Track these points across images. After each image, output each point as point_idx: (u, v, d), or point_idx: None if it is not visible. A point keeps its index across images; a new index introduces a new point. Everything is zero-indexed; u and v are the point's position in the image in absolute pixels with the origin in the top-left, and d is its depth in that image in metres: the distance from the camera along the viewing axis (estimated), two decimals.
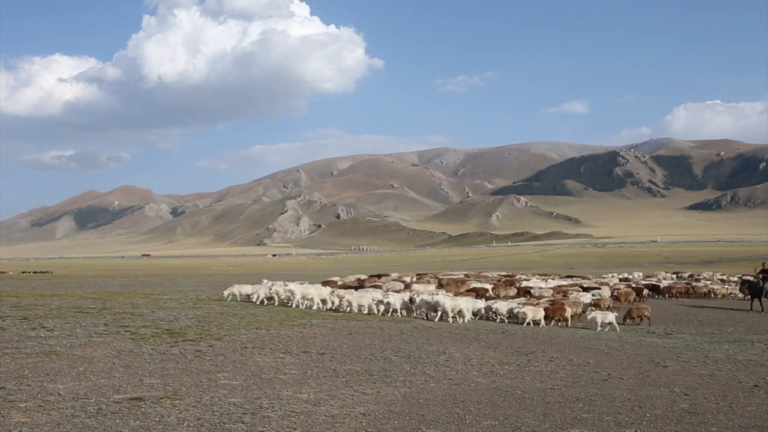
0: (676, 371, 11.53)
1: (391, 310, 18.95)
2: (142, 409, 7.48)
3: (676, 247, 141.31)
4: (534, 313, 18.33)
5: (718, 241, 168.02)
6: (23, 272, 65.90)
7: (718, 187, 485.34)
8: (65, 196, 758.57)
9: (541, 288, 24.58)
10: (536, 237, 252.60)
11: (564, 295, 22.62)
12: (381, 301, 19.24)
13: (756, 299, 25.57)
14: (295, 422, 7.29)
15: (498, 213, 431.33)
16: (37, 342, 11.71)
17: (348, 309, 19.46)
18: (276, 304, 20.84)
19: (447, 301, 18.59)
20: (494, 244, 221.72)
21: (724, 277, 41.84)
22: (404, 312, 19.11)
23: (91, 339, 12.24)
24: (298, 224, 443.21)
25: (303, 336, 13.73)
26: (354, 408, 8.04)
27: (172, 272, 67.91)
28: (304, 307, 20.01)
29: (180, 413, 7.39)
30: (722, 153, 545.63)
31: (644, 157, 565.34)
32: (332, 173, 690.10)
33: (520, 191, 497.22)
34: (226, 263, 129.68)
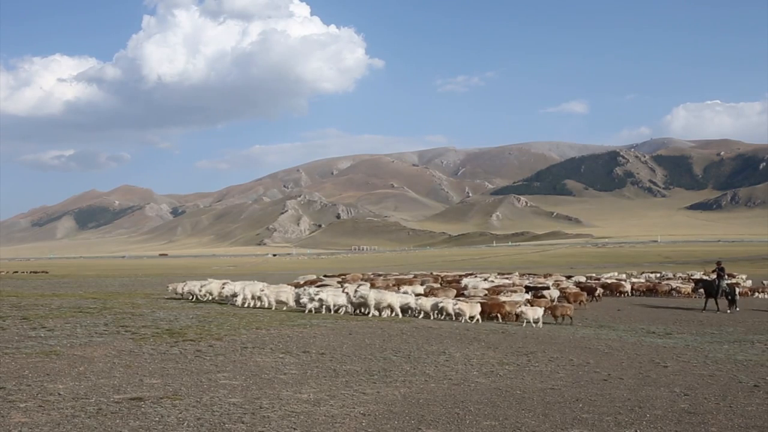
0: (676, 371, 11.52)
1: (324, 307, 18.80)
2: (142, 409, 7.48)
3: (677, 247, 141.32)
4: (471, 309, 18.66)
5: (719, 241, 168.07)
6: (15, 272, 65.77)
7: (718, 187, 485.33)
8: (65, 196, 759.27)
9: (475, 288, 24.81)
10: (536, 237, 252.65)
11: (497, 295, 23.04)
12: (313, 298, 19.17)
13: (711, 298, 25.48)
14: (295, 422, 7.29)
15: (498, 213, 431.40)
16: (37, 342, 11.71)
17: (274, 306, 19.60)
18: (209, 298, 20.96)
19: (372, 294, 18.86)
20: (494, 244, 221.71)
21: (685, 276, 42.11)
22: (341, 309, 18.97)
23: (91, 339, 12.25)
24: (298, 224, 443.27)
25: (303, 336, 13.73)
26: (354, 408, 8.04)
27: (173, 272, 67.91)
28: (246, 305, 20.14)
29: (180, 413, 7.39)
30: (722, 153, 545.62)
31: (644, 157, 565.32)
32: (332, 173, 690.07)
33: (520, 191, 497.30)
34: (227, 263, 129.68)
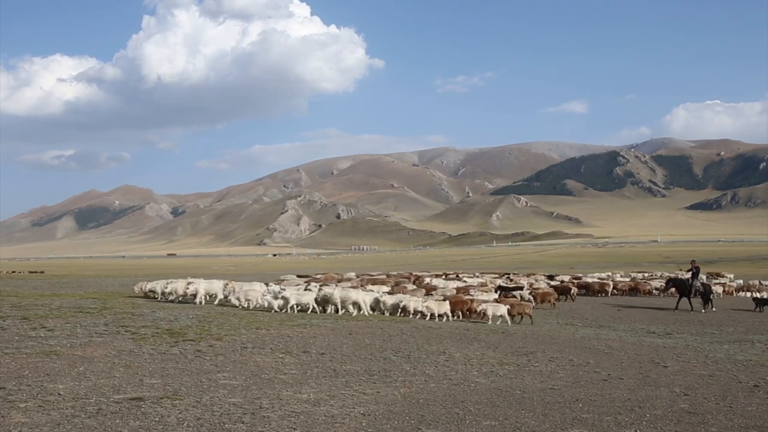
0: (676, 371, 11.52)
1: (288, 306, 18.72)
2: (142, 409, 7.48)
3: (677, 247, 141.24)
4: (438, 307, 18.79)
5: (719, 241, 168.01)
6: (13, 272, 65.65)
7: (719, 187, 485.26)
8: (65, 196, 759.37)
9: (442, 288, 25.06)
10: (536, 237, 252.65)
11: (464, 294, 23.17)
12: (276, 296, 19.14)
13: (684, 297, 25.36)
14: (295, 422, 7.29)
15: (498, 213, 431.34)
16: (37, 342, 11.70)
17: (246, 304, 19.47)
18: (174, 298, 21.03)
19: (337, 292, 18.93)
20: (494, 244, 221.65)
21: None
22: (306, 307, 18.88)
23: (91, 339, 12.24)
24: (298, 224, 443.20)
25: (303, 336, 13.73)
26: (354, 408, 8.04)
27: (174, 272, 67.86)
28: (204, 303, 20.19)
29: (180, 413, 7.39)
30: (722, 153, 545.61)
31: (644, 157, 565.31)
32: (332, 173, 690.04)
33: (520, 191, 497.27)
34: (227, 263, 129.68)
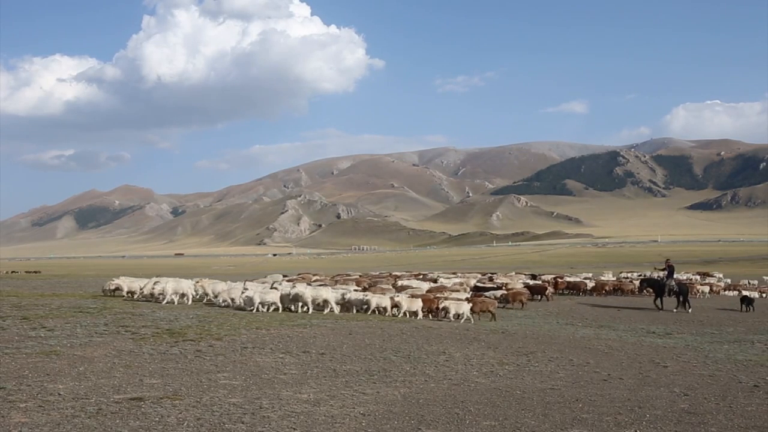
0: (676, 371, 11.52)
1: (254, 304, 18.73)
2: (142, 409, 7.48)
3: (677, 246, 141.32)
4: (409, 303, 18.99)
5: (719, 240, 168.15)
6: (14, 272, 65.58)
7: (719, 186, 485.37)
8: (65, 196, 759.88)
9: (414, 288, 25.33)
10: (536, 237, 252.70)
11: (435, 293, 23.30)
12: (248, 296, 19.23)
13: (659, 297, 25.18)
14: (295, 422, 7.29)
15: (498, 213, 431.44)
16: (37, 342, 11.70)
17: (223, 303, 19.64)
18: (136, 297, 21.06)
19: (308, 291, 19.07)
20: (494, 244, 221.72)
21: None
22: (271, 306, 18.88)
23: (91, 339, 12.24)
24: (298, 224, 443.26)
25: (303, 336, 13.72)
26: (354, 408, 8.04)
27: (174, 272, 67.85)
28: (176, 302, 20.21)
29: (180, 413, 7.39)
30: (722, 153, 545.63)
31: (644, 156, 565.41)
32: (332, 173, 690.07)
33: (520, 191, 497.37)
34: (226, 263, 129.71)
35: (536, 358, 12.34)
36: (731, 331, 18.83)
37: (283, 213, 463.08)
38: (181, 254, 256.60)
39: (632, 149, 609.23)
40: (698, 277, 45.69)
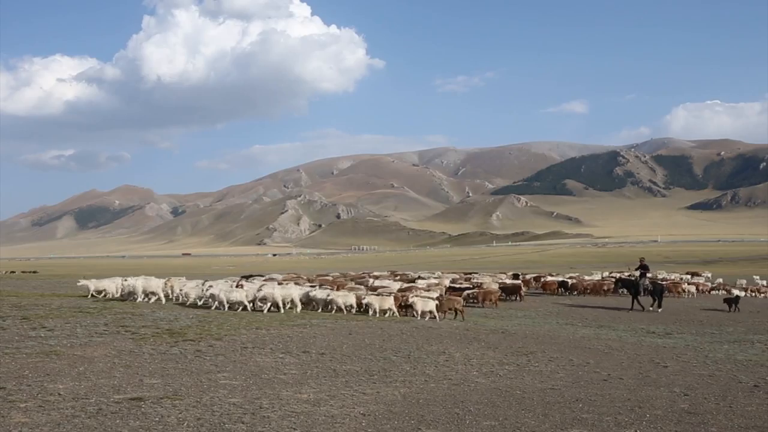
0: (676, 371, 11.52)
1: (217, 303, 18.68)
2: (142, 409, 7.48)
3: (677, 246, 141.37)
4: (381, 302, 19.10)
5: (719, 240, 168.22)
6: (12, 272, 65.50)
7: (719, 186, 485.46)
8: (65, 196, 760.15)
9: (385, 287, 25.46)
10: (536, 237, 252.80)
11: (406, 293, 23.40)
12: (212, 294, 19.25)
13: (634, 297, 24.98)
14: (295, 422, 7.29)
15: (498, 213, 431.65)
16: (37, 342, 11.70)
17: (188, 301, 19.74)
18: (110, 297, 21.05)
19: (278, 291, 19.12)
20: (494, 244, 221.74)
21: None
22: (236, 305, 18.78)
23: (91, 339, 12.24)
24: (298, 224, 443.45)
25: (303, 336, 13.72)
26: (354, 408, 8.04)
27: (174, 272, 67.83)
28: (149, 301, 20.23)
29: (180, 413, 7.39)
30: (722, 153, 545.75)
31: (644, 156, 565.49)
32: (332, 173, 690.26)
33: (520, 191, 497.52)
34: (226, 263, 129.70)
35: (536, 358, 12.33)
36: (731, 331, 18.82)
37: (283, 213, 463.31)
38: (189, 254, 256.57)
39: (632, 149, 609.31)
40: (688, 276, 45.80)
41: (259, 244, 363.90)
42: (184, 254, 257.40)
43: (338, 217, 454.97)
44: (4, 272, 61.79)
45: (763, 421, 8.11)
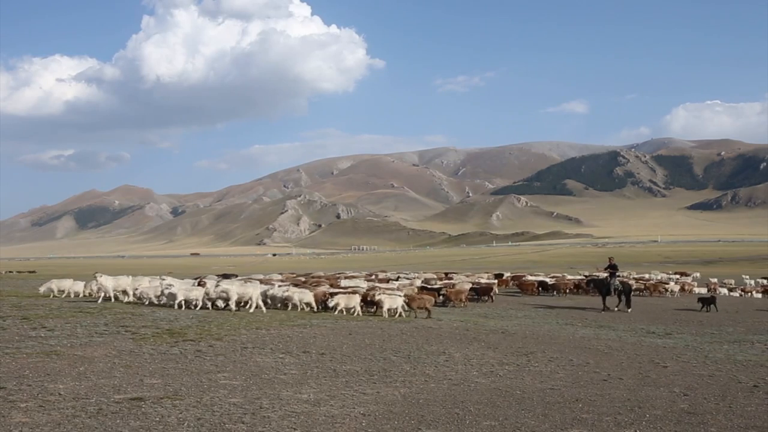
0: (676, 371, 11.52)
1: (176, 302, 18.63)
2: (143, 409, 7.49)
3: (677, 246, 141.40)
4: (347, 300, 19.29)
5: (719, 240, 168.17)
6: (11, 272, 65.43)
7: (719, 187, 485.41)
8: (65, 196, 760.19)
9: (353, 286, 25.54)
10: (536, 237, 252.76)
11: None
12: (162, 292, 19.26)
13: (608, 296, 24.93)
14: (295, 422, 7.29)
15: (498, 213, 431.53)
16: (37, 342, 11.71)
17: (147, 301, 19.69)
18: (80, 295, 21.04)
19: (234, 289, 19.06)
20: (494, 244, 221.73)
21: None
22: (196, 302, 18.73)
23: (91, 339, 12.24)
24: (298, 224, 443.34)
25: (303, 336, 13.73)
26: (354, 408, 8.05)
27: (174, 272, 67.85)
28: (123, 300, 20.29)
29: (180, 413, 7.39)
30: (723, 153, 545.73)
31: (645, 157, 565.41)
32: (332, 173, 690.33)
33: (520, 191, 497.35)
34: (226, 263, 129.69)
35: (536, 358, 12.34)
36: (731, 331, 18.84)
37: (282, 213, 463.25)
38: (197, 254, 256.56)
39: (632, 149, 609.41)
40: (677, 276, 46.18)
41: (259, 245, 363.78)
42: (192, 254, 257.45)
43: (338, 217, 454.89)
44: (4, 272, 61.79)
45: (763, 421, 8.11)
